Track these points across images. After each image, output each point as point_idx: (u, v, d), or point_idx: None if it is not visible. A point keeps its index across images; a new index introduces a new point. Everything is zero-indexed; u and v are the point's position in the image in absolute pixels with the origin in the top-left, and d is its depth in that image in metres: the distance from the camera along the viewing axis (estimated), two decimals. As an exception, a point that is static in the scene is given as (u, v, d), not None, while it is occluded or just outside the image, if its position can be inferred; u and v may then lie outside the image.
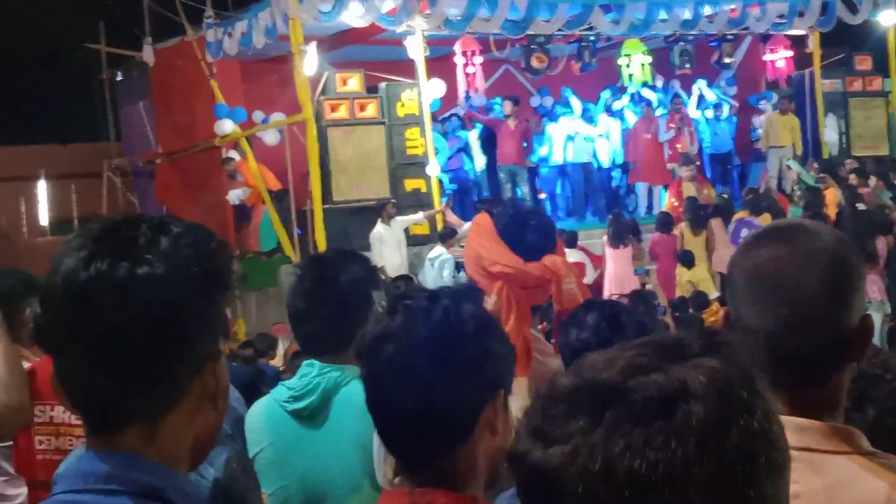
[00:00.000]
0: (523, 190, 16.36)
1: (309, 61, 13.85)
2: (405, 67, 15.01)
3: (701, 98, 18.77)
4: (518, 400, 1.79)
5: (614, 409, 0.87)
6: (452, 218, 14.44)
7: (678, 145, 17.31)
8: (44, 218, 21.27)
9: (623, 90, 18.06)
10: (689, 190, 15.18)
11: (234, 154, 15.73)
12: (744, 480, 0.86)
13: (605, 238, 13.74)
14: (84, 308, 1.32)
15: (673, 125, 17.32)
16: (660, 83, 18.47)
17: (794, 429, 1.58)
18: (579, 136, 16.99)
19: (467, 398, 1.68)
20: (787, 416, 1.60)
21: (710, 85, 18.94)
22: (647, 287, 12.80)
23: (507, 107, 16.35)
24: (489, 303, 2.86)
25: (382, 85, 15.09)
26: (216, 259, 1.41)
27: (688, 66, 17.58)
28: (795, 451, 1.55)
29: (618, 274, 13.05)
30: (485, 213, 2.88)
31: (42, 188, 21.08)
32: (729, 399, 0.88)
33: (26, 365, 3.97)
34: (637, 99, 17.92)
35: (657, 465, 0.83)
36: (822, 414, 1.62)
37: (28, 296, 4.13)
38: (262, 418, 3.08)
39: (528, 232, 2.87)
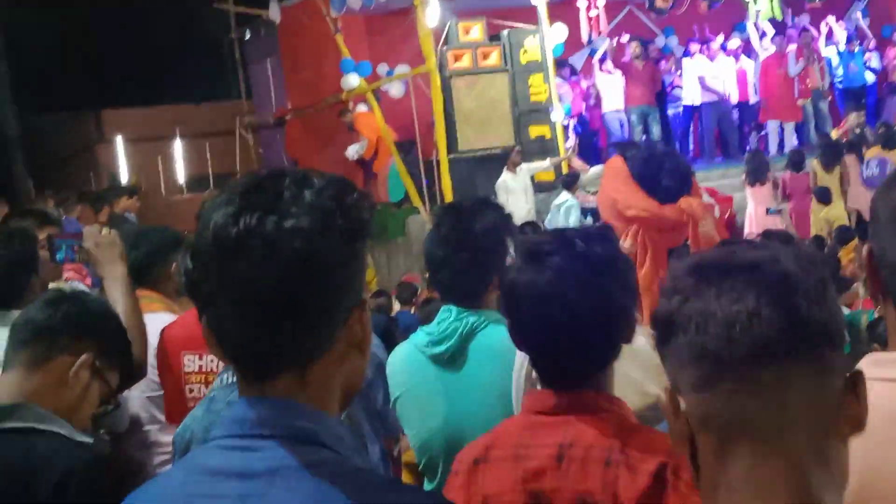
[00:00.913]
0: (655, 131, 16.09)
1: (431, 12, 13.87)
2: (527, 13, 14.89)
3: (831, 33, 18.10)
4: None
5: (717, 272, 1.26)
6: (578, 163, 14.33)
7: (808, 80, 16.76)
8: (181, 176, 21.89)
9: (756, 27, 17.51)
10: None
11: (360, 107, 15.88)
12: (799, 307, 1.23)
13: (743, 177, 13.45)
14: (235, 262, 1.36)
15: (802, 59, 16.74)
16: (788, 19, 17.86)
17: None
18: (709, 76, 16.60)
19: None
20: None
21: (842, 18, 18.24)
22: (781, 227, 12.50)
23: (635, 48, 16.06)
24: (624, 246, 2.84)
25: (505, 32, 14.98)
26: (358, 210, 1.44)
27: (818, -2, 16.96)
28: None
29: (759, 213, 12.77)
30: (618, 157, 2.84)
31: (178, 147, 21.67)
32: (799, 266, 1.25)
33: (172, 317, 4.14)
34: (762, 35, 17.34)
35: (742, 300, 1.22)
36: None
37: (174, 250, 4.29)
38: (402, 363, 3.14)
39: (663, 174, 2.82)
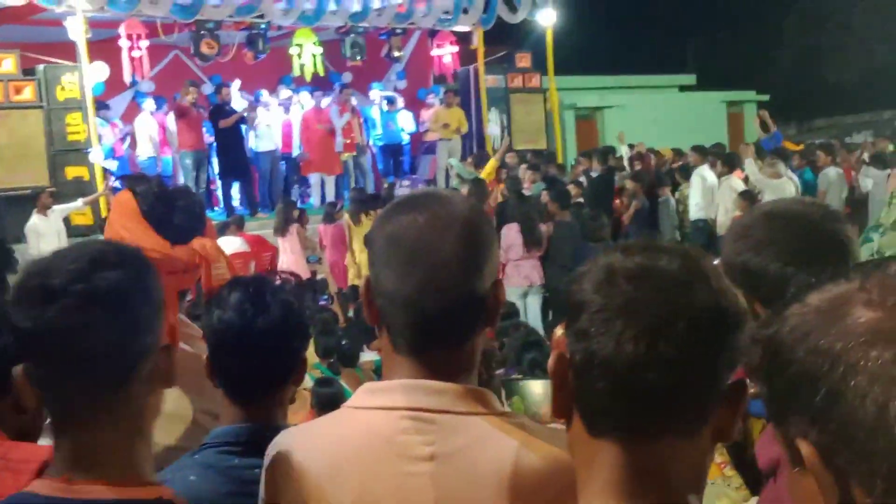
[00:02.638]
0: (202, 179, 15.91)
1: (-46, 40, 12.84)
2: (66, 49, 14.22)
3: (370, 91, 19.10)
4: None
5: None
6: (117, 207, 13.81)
7: (353, 135, 17.47)
8: None
9: (300, 81, 17.97)
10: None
11: None
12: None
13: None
14: None
15: (347, 113, 17.44)
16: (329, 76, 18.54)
17: (432, 392, 1.61)
18: (262, 125, 16.82)
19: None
20: (425, 381, 1.61)
21: (381, 79, 19.29)
22: (320, 276, 12.84)
23: (192, 93, 15.84)
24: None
25: (41, 67, 14.25)
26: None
27: (358, 58, 17.78)
28: (433, 414, 1.58)
29: (289, 264, 13.02)
30: (127, 191, 2.67)
31: None
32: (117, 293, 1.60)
33: None
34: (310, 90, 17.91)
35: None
36: (458, 377, 1.63)
37: None
38: None
39: (176, 213, 2.69)
